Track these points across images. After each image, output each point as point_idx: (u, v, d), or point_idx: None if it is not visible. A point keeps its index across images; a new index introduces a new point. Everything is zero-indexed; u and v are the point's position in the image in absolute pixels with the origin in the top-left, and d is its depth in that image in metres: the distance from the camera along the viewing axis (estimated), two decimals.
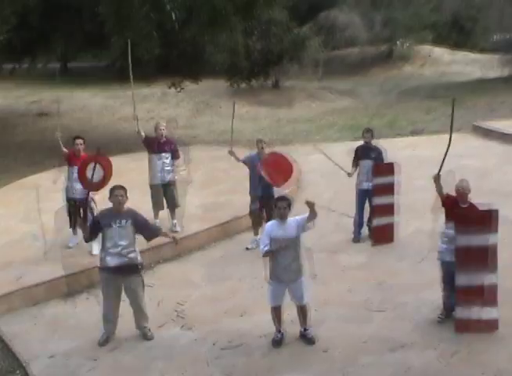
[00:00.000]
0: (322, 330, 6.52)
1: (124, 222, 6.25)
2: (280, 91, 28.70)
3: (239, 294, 7.60)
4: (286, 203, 6.12)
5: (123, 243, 6.24)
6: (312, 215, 5.97)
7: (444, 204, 6.64)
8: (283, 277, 6.14)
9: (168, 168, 9.37)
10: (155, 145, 9.34)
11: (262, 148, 8.93)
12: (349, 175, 9.27)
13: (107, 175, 7.56)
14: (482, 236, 6.26)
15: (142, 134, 9.38)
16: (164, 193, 9.47)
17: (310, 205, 5.90)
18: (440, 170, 6.52)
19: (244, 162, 9.13)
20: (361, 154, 9.28)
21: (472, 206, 6.55)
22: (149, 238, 6.57)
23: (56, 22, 17.51)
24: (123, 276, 6.32)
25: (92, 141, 16.78)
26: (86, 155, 8.55)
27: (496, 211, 6.34)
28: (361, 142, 9.58)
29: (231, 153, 9.13)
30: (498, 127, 17.39)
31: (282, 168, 7.95)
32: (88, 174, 7.05)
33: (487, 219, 6.30)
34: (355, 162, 9.34)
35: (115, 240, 6.24)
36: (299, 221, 6.08)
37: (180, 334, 6.66)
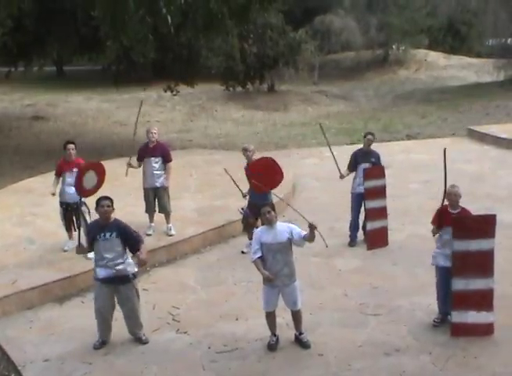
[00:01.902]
0: (317, 335, 6.51)
1: (108, 234, 6.22)
2: (276, 95, 28.74)
3: (235, 298, 7.59)
4: (269, 207, 6.15)
5: (108, 256, 6.22)
6: (311, 237, 5.96)
7: (434, 222, 6.69)
8: (275, 282, 6.13)
9: (158, 173, 9.33)
10: (145, 150, 9.37)
11: (248, 156, 8.87)
12: (341, 177, 9.24)
13: (100, 181, 7.54)
14: (479, 242, 6.25)
15: (135, 166, 9.43)
16: (155, 198, 9.48)
17: (312, 228, 5.89)
18: (444, 197, 6.51)
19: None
20: (360, 159, 9.16)
21: (464, 211, 6.55)
22: (133, 251, 6.41)
23: (51, 25, 17.51)
24: (114, 286, 6.32)
25: (87, 145, 16.86)
26: (80, 160, 8.59)
27: (494, 217, 6.35)
28: (356, 147, 9.55)
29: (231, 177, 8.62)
30: (493, 131, 17.45)
31: (268, 175, 7.78)
32: (85, 182, 7.04)
33: (484, 224, 6.30)
34: (352, 167, 9.25)
35: (101, 253, 6.24)
36: (294, 234, 6.05)
37: (175, 338, 6.64)
